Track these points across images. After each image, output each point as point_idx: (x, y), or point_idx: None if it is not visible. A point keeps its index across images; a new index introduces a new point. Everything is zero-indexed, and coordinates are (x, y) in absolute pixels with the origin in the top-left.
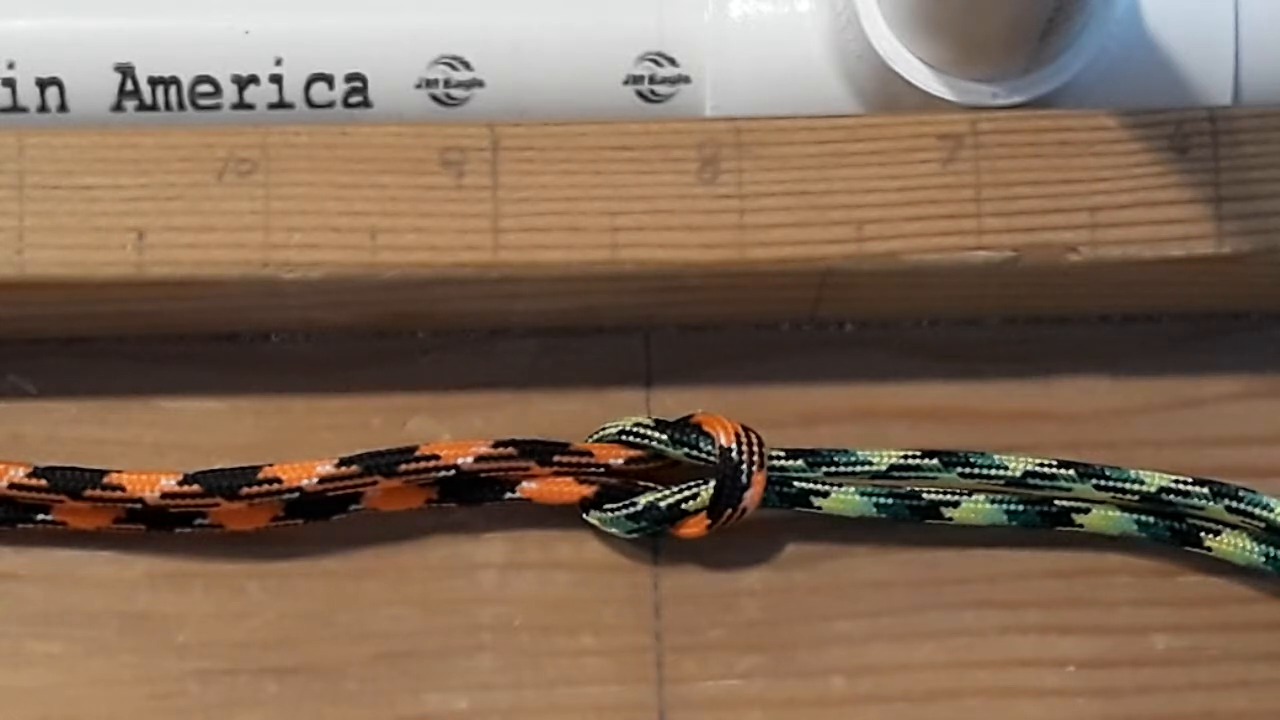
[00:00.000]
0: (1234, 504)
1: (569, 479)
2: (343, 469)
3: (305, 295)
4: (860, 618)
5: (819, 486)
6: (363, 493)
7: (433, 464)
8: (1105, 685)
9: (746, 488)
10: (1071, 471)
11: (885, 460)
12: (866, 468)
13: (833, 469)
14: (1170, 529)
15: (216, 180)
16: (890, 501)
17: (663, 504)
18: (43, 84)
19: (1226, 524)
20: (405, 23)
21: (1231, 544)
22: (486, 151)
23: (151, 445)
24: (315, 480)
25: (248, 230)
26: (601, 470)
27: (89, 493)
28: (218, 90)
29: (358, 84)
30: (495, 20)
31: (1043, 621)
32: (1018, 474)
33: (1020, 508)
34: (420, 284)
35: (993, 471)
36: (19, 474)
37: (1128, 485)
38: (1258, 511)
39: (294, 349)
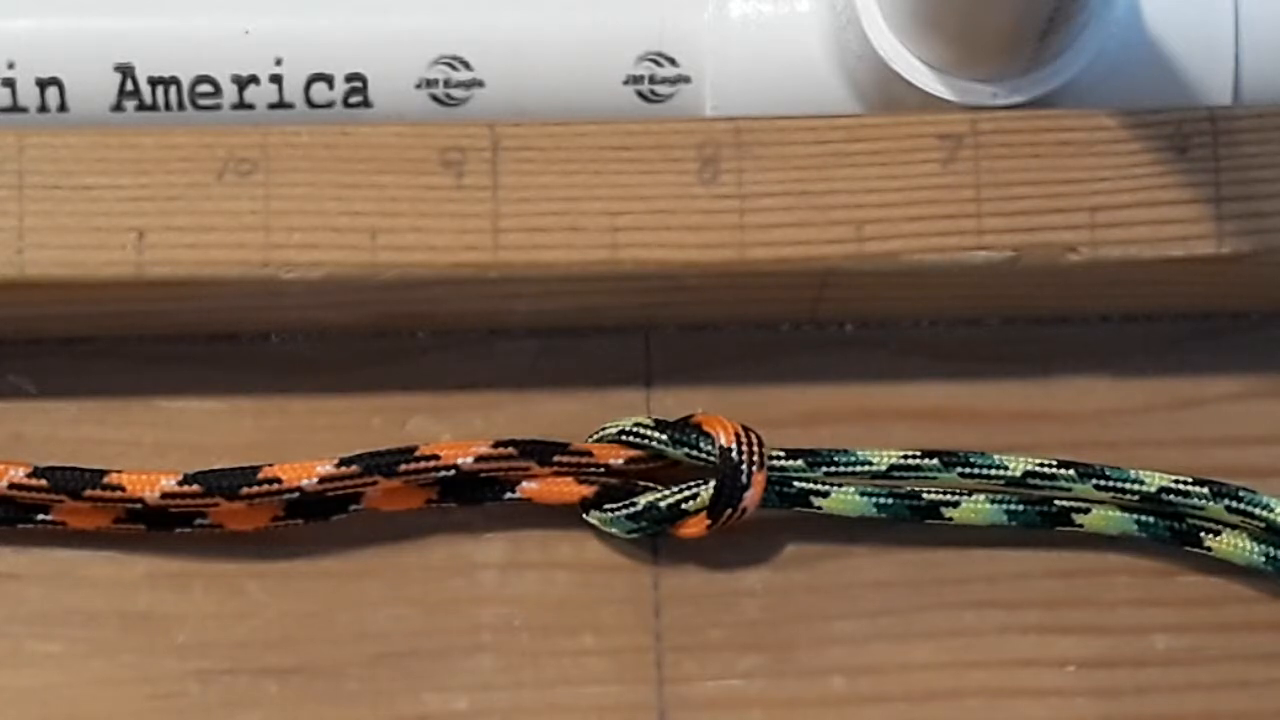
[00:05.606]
0: (1234, 504)
1: (569, 479)
2: (343, 469)
3: (305, 295)
4: (860, 618)
5: (819, 486)
6: (363, 493)
7: (433, 464)
8: (1105, 685)
9: (746, 488)
10: (1071, 471)
11: (885, 460)
12: (866, 468)
13: (833, 469)
14: (1170, 529)
15: (216, 180)
16: (890, 501)
17: (663, 504)
18: (43, 84)
19: (1226, 524)
20: (405, 23)
21: (1231, 544)
22: (486, 151)
23: (151, 445)
24: (315, 480)
25: (248, 230)
26: (601, 470)
27: (89, 493)
28: (218, 90)
29: (358, 84)
30: (495, 20)
31: (1043, 621)
32: (1018, 474)
33: (1020, 508)
34: (420, 284)
35: (993, 471)
36: (19, 474)
37: (1128, 485)
38: (1258, 511)
39: (294, 349)
